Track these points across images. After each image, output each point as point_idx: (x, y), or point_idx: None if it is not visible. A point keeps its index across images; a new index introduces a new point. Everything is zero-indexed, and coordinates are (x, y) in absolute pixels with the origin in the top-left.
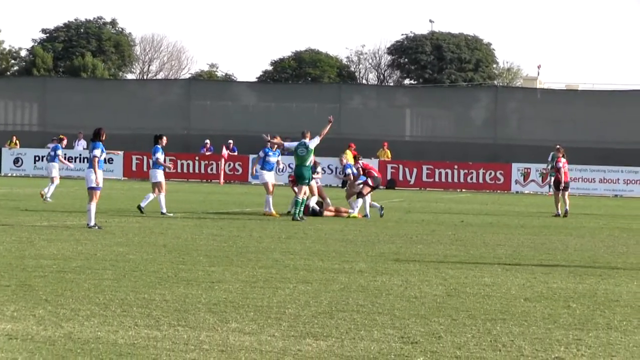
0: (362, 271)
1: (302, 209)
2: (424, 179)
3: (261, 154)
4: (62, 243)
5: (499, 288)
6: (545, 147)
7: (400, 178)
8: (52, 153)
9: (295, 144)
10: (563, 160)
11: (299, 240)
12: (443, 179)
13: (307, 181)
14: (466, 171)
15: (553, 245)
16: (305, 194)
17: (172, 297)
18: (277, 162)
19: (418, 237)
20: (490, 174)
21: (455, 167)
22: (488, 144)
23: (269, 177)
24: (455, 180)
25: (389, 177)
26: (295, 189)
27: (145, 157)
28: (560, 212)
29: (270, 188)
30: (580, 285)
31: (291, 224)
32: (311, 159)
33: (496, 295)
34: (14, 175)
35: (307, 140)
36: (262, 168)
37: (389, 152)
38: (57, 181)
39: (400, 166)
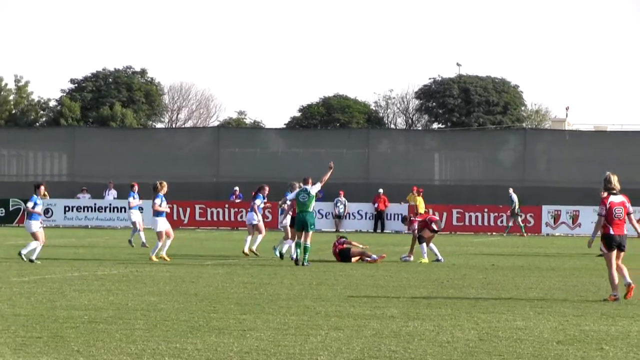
0: (393, 316)
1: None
2: (454, 222)
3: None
4: (93, 293)
5: (531, 331)
6: (575, 189)
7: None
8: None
9: (294, 193)
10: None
11: (329, 286)
12: (473, 222)
13: (312, 227)
14: (496, 214)
15: (584, 288)
16: (308, 239)
17: (204, 346)
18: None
19: (449, 281)
20: (520, 216)
21: (485, 210)
22: (517, 186)
23: (287, 221)
24: (485, 223)
25: None
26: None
27: (175, 206)
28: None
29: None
30: (612, 328)
31: (322, 271)
32: (313, 204)
33: (528, 338)
34: (45, 226)
35: (308, 187)
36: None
37: (418, 196)
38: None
39: (430, 210)
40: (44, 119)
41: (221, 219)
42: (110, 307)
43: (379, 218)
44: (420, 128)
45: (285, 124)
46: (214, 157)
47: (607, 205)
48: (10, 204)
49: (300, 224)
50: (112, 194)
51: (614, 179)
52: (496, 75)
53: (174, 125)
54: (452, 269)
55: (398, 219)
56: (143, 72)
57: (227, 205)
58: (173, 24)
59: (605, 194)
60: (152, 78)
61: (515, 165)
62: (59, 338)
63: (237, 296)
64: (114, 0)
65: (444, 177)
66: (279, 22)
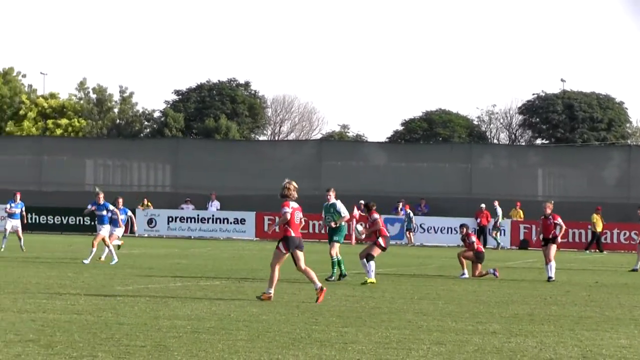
0: (495, 332)
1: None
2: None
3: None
4: (196, 303)
5: (636, 350)
6: None
7: (533, 238)
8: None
9: (323, 211)
10: None
11: (431, 301)
12: (576, 239)
13: (340, 238)
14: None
15: None
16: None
17: (305, 358)
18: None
19: (552, 297)
20: (625, 234)
21: (589, 227)
22: (621, 203)
23: None
24: (589, 240)
25: (521, 237)
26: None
27: (277, 218)
28: None
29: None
30: None
31: (423, 285)
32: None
33: (633, 357)
34: (148, 235)
35: (336, 202)
36: None
37: (521, 212)
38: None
39: (533, 226)
40: (147, 130)
41: (324, 231)
42: (213, 318)
43: (481, 233)
44: (523, 144)
45: (387, 138)
46: (316, 170)
47: None
48: None
49: (330, 236)
50: (215, 205)
51: None
52: (601, 92)
53: (276, 138)
54: (555, 285)
55: (501, 235)
56: (247, 85)
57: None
58: (277, 37)
59: None
60: (255, 91)
61: (619, 183)
62: (162, 347)
63: (339, 309)
64: (219, 14)
65: (547, 193)
66: (382, 37)
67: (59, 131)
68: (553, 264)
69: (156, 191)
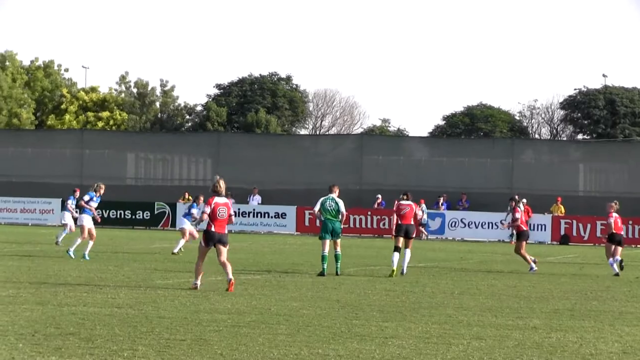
0: (536, 327)
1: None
2: (598, 234)
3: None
4: (236, 297)
5: None
6: None
7: (574, 233)
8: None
9: (319, 202)
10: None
11: (471, 295)
12: None
13: (340, 235)
14: None
15: None
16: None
17: (345, 352)
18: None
19: (592, 293)
20: None
21: (630, 222)
22: None
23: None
24: (630, 235)
25: (562, 232)
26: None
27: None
28: None
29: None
30: None
31: (464, 280)
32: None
33: None
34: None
35: (335, 196)
36: None
37: (562, 207)
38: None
39: (574, 221)
40: (189, 123)
41: (364, 226)
42: (253, 312)
43: None
44: (565, 139)
45: (428, 133)
46: (358, 165)
47: None
48: (156, 207)
49: (330, 232)
50: (256, 199)
51: None
52: None
53: (317, 132)
54: (596, 280)
55: (542, 230)
56: (288, 79)
57: (369, 213)
58: (319, 31)
59: None
60: (296, 85)
61: None
62: (203, 341)
63: (379, 303)
64: (262, 8)
65: (589, 189)
66: (424, 31)
67: (100, 124)
68: (618, 258)
69: (197, 185)
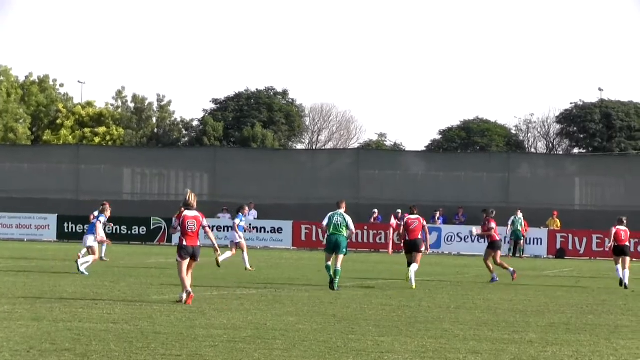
0: (532, 341)
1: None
2: (594, 248)
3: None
4: (232, 313)
5: None
6: None
7: (570, 247)
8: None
9: (327, 218)
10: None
11: (468, 310)
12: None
13: (345, 250)
14: (637, 240)
15: None
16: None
17: None
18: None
19: (588, 307)
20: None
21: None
22: None
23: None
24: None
25: (558, 246)
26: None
27: (314, 227)
28: None
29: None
30: None
31: (460, 294)
32: (346, 231)
33: None
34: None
35: (342, 211)
36: None
37: (558, 221)
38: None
39: (570, 235)
40: (186, 138)
41: (360, 240)
42: (249, 327)
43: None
44: (561, 153)
45: (425, 147)
46: (354, 179)
47: None
48: (152, 222)
49: (333, 247)
50: (252, 214)
51: None
52: (639, 101)
53: (314, 147)
54: (592, 294)
55: (538, 243)
56: (284, 94)
57: (366, 227)
58: (316, 46)
59: None
60: (293, 99)
61: None
62: (199, 357)
63: (376, 318)
64: (256, 23)
65: (585, 203)
66: (421, 46)
67: (96, 140)
68: (627, 272)
69: None
